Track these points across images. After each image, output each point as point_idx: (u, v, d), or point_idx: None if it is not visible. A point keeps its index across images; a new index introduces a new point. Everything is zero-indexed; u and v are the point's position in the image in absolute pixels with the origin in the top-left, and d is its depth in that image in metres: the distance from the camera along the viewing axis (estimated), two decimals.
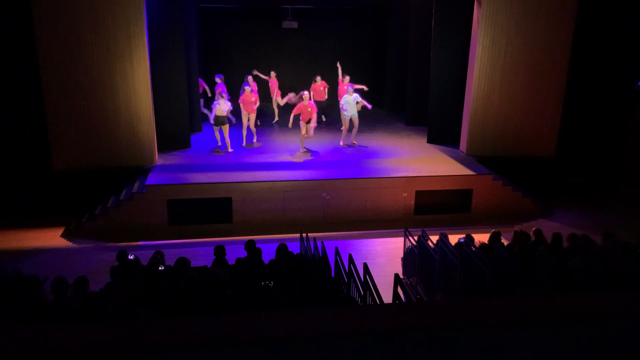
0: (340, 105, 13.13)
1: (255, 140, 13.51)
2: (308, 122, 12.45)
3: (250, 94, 12.98)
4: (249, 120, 13.16)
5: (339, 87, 14.56)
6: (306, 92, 12.54)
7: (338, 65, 15.10)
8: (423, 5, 14.32)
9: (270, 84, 15.32)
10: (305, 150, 12.84)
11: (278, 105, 15.27)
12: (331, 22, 18.61)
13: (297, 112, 12.40)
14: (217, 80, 14.30)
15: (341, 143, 13.45)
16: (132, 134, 11.38)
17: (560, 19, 12.01)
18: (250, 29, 18.33)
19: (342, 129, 13.65)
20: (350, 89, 12.87)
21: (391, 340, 2.54)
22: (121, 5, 10.62)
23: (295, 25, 17.55)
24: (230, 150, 12.77)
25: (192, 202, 10.64)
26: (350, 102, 12.81)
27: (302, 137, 12.74)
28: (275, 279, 5.91)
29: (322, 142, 13.66)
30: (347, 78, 14.08)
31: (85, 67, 10.76)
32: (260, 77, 15.14)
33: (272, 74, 15.32)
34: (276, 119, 15.82)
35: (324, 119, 15.60)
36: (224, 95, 12.63)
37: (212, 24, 17.99)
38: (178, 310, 4.82)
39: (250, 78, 14.05)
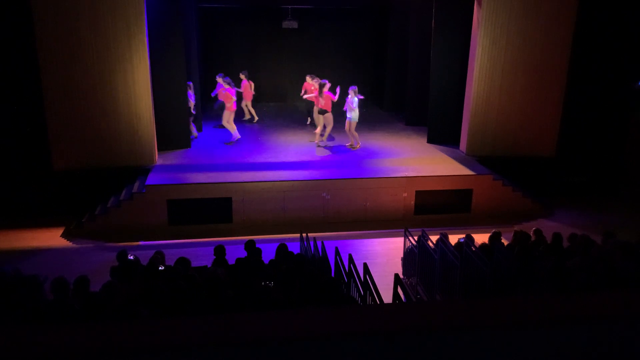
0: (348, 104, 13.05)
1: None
2: (323, 113, 12.87)
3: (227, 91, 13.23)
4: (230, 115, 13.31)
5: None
6: (327, 82, 12.89)
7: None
8: (423, 5, 14.31)
9: (242, 86, 14.89)
10: (325, 144, 13.23)
11: (250, 106, 15.37)
12: (331, 22, 18.59)
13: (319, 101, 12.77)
14: None
15: (347, 145, 13.40)
16: (132, 134, 11.37)
17: (560, 19, 12.01)
18: (250, 29, 18.32)
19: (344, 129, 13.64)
20: (352, 91, 12.63)
21: (391, 340, 2.54)
22: (121, 5, 10.62)
23: (295, 25, 17.55)
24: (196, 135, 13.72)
25: (192, 202, 10.64)
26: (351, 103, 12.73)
27: (317, 134, 13.03)
28: (275, 279, 5.91)
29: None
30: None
31: (85, 67, 10.76)
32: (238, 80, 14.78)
33: (242, 75, 14.90)
34: (256, 118, 15.71)
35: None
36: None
37: (212, 24, 17.98)
38: (178, 310, 4.82)
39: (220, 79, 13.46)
